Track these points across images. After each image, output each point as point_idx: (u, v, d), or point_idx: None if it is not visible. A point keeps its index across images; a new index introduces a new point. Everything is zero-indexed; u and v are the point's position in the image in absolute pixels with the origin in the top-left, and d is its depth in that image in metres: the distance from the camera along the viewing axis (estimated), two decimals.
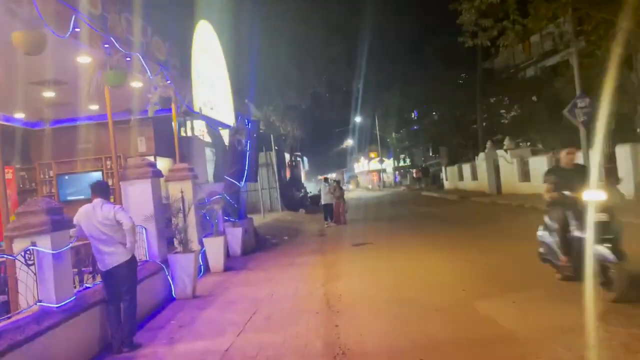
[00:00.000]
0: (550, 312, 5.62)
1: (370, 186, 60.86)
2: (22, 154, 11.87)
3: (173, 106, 9.62)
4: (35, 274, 4.92)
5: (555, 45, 26.62)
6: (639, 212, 12.34)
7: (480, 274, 7.95)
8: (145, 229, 7.96)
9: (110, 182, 9.59)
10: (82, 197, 10.75)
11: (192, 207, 9.55)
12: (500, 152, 25.85)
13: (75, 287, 6.40)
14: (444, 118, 37.83)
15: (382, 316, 6.18)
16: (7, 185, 6.03)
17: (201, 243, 9.95)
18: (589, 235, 5.74)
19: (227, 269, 10.43)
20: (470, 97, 32.39)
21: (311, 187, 37.71)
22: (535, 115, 28.61)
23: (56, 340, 4.81)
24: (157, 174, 8.30)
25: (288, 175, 30.68)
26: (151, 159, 12.12)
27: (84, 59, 6.68)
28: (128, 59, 7.18)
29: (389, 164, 59.31)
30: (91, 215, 5.69)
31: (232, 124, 13.74)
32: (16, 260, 4.85)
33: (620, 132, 15.36)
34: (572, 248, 6.30)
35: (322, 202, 19.29)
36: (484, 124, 32.28)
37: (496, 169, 26.28)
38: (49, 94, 8.97)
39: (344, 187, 21.21)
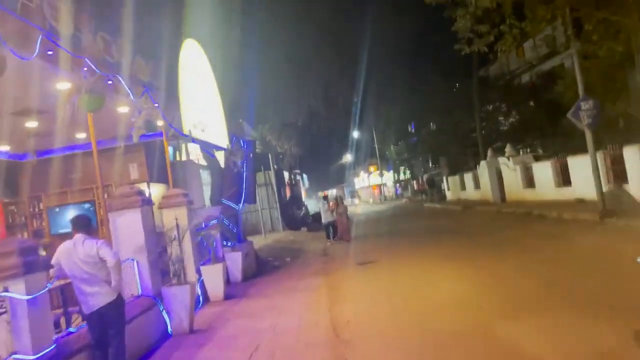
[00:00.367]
0: (583, 336, 5.09)
1: (371, 200, 60.35)
2: (9, 187, 11.45)
3: (163, 130, 9.19)
4: (8, 323, 4.42)
5: (550, 49, 26.46)
6: None
7: (496, 291, 7.43)
8: (136, 261, 7.48)
9: (101, 213, 9.14)
10: None
11: (188, 235, 9.08)
12: (502, 159, 25.43)
13: (60, 331, 5.91)
14: (442, 128, 37.51)
15: (394, 346, 5.65)
16: None
17: (199, 271, 9.45)
18: None
19: (227, 297, 9.91)
20: (468, 105, 32.11)
21: (312, 204, 37.22)
22: (533, 120, 28.34)
23: None
24: (147, 202, 7.83)
25: (288, 194, 30.23)
26: (144, 186, 11.71)
27: (62, 85, 6.26)
28: (109, 81, 6.76)
29: (388, 177, 58.93)
30: (72, 253, 5.22)
31: (226, 146, 13.30)
32: None
33: (626, 133, 14.93)
34: None
35: (323, 220, 18.80)
36: (483, 131, 31.96)
37: (499, 177, 25.82)
38: (31, 123, 8.55)
39: (349, 202, 20.76)
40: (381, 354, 5.46)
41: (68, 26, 5.57)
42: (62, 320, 6.48)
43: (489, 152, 26.90)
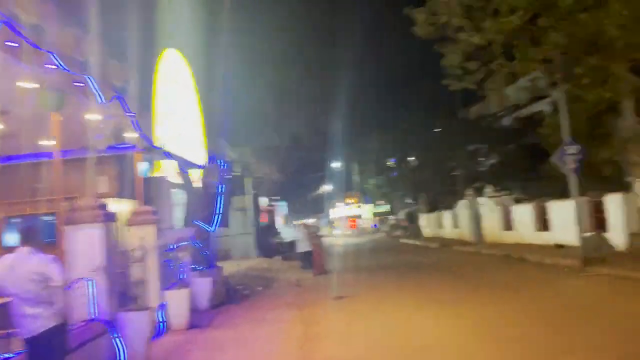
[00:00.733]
0: None
1: (348, 232, 59.82)
2: None
3: (135, 142, 8.63)
4: None
5: (534, 94, 26.87)
6: (634, 266, 11.67)
7: (486, 339, 6.91)
8: (92, 281, 6.81)
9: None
10: None
11: (154, 256, 8.47)
12: (481, 199, 25.35)
13: None
14: (423, 164, 37.55)
15: None
16: None
17: (162, 296, 8.77)
18: None
19: (191, 326, 9.19)
20: (449, 143, 32.22)
21: (289, 232, 36.49)
22: (514, 163, 28.53)
23: None
24: (110, 217, 7.23)
25: (264, 220, 29.56)
26: (113, 201, 11.02)
27: (25, 82, 5.71)
28: (78, 83, 6.23)
29: (366, 209, 58.62)
30: (15, 267, 4.59)
31: (203, 164, 12.72)
32: None
33: (608, 180, 14.89)
34: None
35: (300, 249, 18.20)
36: (464, 171, 32.02)
37: (478, 217, 25.68)
38: None
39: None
40: None
41: (32, 14, 5.07)
42: None
43: (469, 192, 26.82)
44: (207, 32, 15.49)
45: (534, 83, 17.99)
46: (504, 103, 33.53)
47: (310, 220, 57.18)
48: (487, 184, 25.92)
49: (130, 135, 8.44)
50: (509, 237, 21.99)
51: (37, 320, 4.55)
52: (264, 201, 30.52)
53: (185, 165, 11.54)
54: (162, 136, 9.86)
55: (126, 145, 8.96)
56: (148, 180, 12.29)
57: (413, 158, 40.08)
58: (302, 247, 17.91)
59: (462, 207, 27.48)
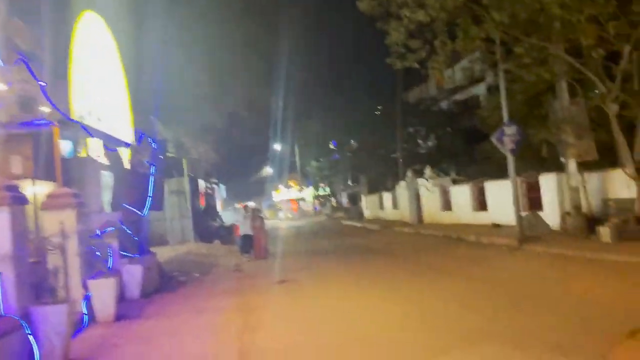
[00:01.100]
0: None
1: (290, 215, 59.54)
2: None
3: (50, 117, 7.69)
4: None
5: (471, 79, 27.36)
6: (568, 243, 12.03)
7: (429, 319, 6.74)
8: None
9: None
10: None
11: (75, 242, 7.65)
12: (421, 180, 25.66)
13: None
14: (363, 147, 37.62)
15: None
16: None
17: (86, 286, 7.98)
18: None
19: (119, 317, 8.44)
20: (389, 126, 32.38)
21: (228, 216, 35.57)
22: (451, 145, 29.12)
23: None
24: (20, 200, 6.36)
25: (202, 203, 28.51)
26: (28, 182, 9.93)
27: None
28: None
29: (308, 192, 58.50)
30: None
31: (131, 142, 11.73)
32: None
33: (544, 160, 15.29)
34: None
35: (241, 232, 17.58)
36: (403, 153, 32.37)
37: (417, 198, 26.03)
38: None
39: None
40: None
41: None
42: None
43: (409, 174, 27.08)
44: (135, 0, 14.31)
45: (473, 64, 18.12)
46: (445, 85, 34.03)
47: (252, 203, 56.36)
48: (426, 166, 26.25)
49: (41, 107, 7.49)
50: (448, 218, 22.41)
51: None
52: (202, 184, 29.43)
53: (109, 143, 10.55)
54: (81, 109, 8.86)
55: (40, 121, 7.97)
56: (71, 161, 11.22)
57: (353, 141, 40.09)
58: (244, 230, 17.31)
59: (402, 189, 27.75)
